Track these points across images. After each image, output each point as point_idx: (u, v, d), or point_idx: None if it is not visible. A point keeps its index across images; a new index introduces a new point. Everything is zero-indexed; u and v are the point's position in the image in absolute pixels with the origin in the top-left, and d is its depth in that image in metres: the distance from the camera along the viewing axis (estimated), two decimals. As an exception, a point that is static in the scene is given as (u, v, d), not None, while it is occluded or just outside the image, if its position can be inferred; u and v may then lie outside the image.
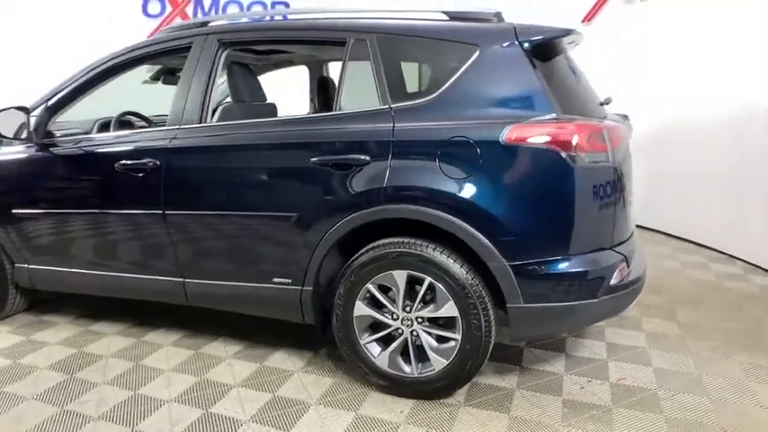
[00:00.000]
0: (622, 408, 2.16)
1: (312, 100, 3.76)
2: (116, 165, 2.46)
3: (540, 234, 1.97)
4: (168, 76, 3.32)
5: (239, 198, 2.32)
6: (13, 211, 2.76)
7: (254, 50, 2.86)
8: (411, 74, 3.47)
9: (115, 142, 2.60)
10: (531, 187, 1.97)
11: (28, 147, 2.70)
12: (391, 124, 2.09)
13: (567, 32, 2.09)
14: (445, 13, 2.25)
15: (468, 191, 1.97)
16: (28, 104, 2.63)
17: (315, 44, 2.45)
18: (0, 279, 2.92)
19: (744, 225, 3.93)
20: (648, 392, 2.27)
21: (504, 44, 2.07)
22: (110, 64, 2.62)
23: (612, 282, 2.02)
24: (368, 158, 2.07)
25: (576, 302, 1.99)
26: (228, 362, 2.59)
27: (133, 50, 2.61)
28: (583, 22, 5.16)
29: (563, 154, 1.90)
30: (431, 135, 2.04)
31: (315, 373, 2.47)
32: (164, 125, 2.51)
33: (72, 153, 2.63)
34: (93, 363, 2.60)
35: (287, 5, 6.18)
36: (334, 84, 3.41)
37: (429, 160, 2.02)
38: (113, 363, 2.60)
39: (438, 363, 2.14)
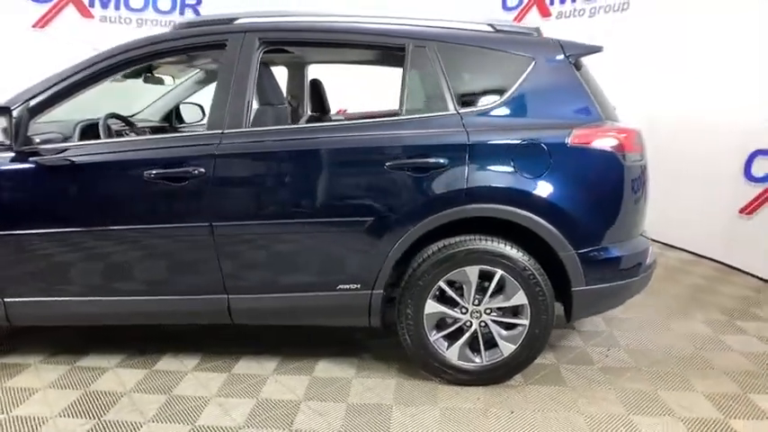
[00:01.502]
0: (649, 365, 2.57)
1: (289, 101, 3.65)
2: (145, 174, 2.17)
3: (599, 224, 2.26)
4: (149, 75, 2.98)
5: (304, 205, 2.22)
6: (-11, 233, 2.25)
7: (289, 51, 2.70)
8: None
9: (140, 148, 2.28)
10: (592, 184, 2.25)
11: (3, 155, 2.23)
12: (464, 129, 2.20)
13: (600, 48, 2.41)
14: (490, 25, 2.42)
15: (541, 189, 2.18)
16: (-2, 102, 2.19)
17: (368, 48, 2.43)
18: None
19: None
20: (655, 350, 2.73)
21: (554, 57, 2.32)
22: (118, 59, 2.29)
23: (646, 263, 2.40)
24: (446, 161, 2.16)
25: (625, 281, 2.33)
26: (275, 378, 2.46)
27: (147, 45, 2.32)
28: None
29: (617, 154, 2.22)
30: (505, 138, 2.20)
31: (373, 377, 2.48)
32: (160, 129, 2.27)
33: (77, 162, 2.23)
34: (115, 402, 2.26)
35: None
36: (323, 87, 3.36)
37: (505, 162, 2.18)
38: (140, 398, 2.30)
39: (507, 349, 2.32)
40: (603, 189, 2.26)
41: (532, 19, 5.47)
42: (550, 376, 2.48)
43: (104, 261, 2.30)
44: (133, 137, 2.70)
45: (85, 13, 5.70)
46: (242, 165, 2.21)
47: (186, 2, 6.05)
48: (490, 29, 2.41)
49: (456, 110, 2.24)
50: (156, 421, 2.13)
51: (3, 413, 2.16)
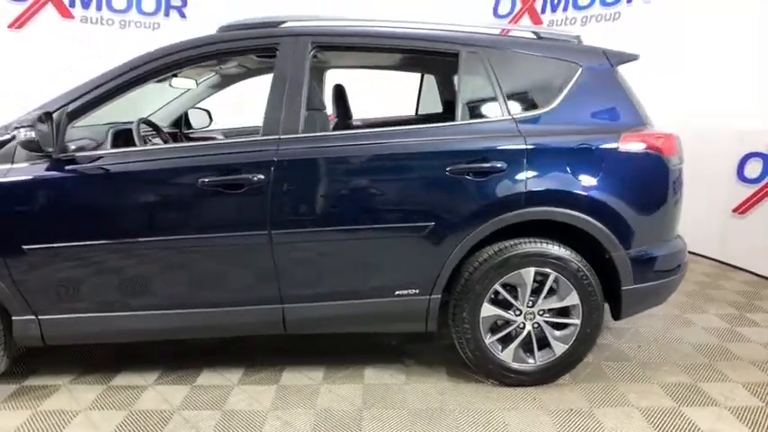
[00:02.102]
0: (682, 359, 2.68)
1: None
2: (200, 181, 2.09)
3: (646, 225, 2.35)
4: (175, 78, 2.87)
5: (365, 211, 2.20)
6: (25, 247, 2.10)
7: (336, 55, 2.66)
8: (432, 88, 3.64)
9: (193, 155, 2.18)
10: (640, 186, 2.33)
11: (42, 164, 2.10)
12: (520, 134, 2.24)
13: (637, 56, 2.51)
14: (534, 33, 2.48)
15: (595, 191, 2.24)
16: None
17: (419, 54, 2.42)
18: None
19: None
20: (683, 343, 2.86)
21: (599, 64, 2.40)
22: (164, 62, 2.20)
23: (684, 262, 2.51)
24: (505, 166, 2.20)
25: (668, 279, 2.44)
26: (328, 388, 2.42)
27: (195, 47, 2.24)
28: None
29: (662, 158, 2.32)
30: (560, 143, 2.26)
31: (425, 383, 2.47)
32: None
33: (124, 170, 2.13)
34: (166, 420, 2.16)
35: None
36: (346, 92, 3.33)
37: (560, 166, 2.24)
38: (196, 415, 2.20)
39: (559, 348, 2.38)
40: (650, 191, 2.35)
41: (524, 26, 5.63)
42: (595, 373, 2.55)
43: (152, 274, 2.20)
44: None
45: (65, 13, 5.44)
46: (302, 171, 2.16)
47: (171, 3, 5.87)
48: (534, 36, 2.48)
49: (510, 115, 2.28)
50: (218, 438, 2.06)
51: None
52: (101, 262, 2.16)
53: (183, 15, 5.91)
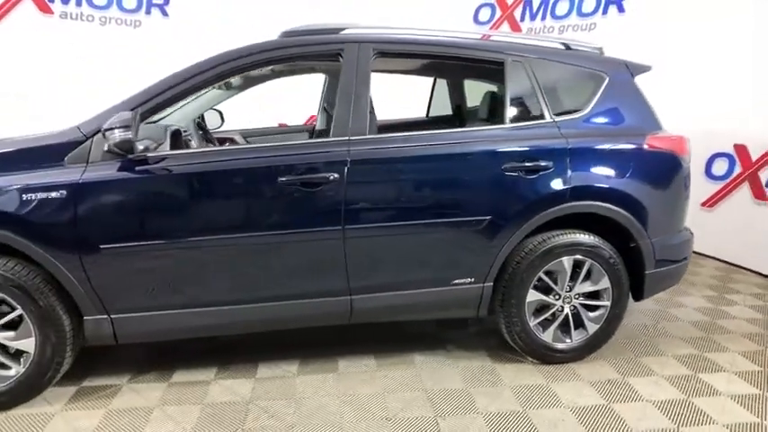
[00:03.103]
0: (683, 332, 3.05)
1: (326, 108, 3.72)
2: (279, 180, 2.20)
3: (666, 216, 2.67)
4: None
5: (430, 206, 2.37)
6: (102, 246, 2.11)
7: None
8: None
9: (270, 155, 2.26)
10: (662, 182, 2.64)
11: (114, 164, 2.12)
12: (562, 135, 2.50)
13: (649, 68, 2.83)
14: (563, 44, 2.75)
15: (627, 187, 2.54)
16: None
17: (467, 62, 2.60)
18: (58, 341, 2.18)
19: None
20: (685, 322, 3.23)
21: (622, 74, 2.70)
22: (233, 65, 2.28)
23: (691, 249, 2.86)
24: (552, 164, 2.44)
25: (681, 264, 2.78)
26: (384, 373, 2.57)
27: (262, 52, 2.32)
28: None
29: (678, 157, 2.65)
30: (596, 144, 2.53)
31: (471, 364, 2.67)
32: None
33: (200, 169, 2.19)
34: (245, 411, 2.24)
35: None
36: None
37: (598, 164, 2.51)
38: (269, 405, 2.29)
39: (592, 328, 2.66)
40: (669, 187, 2.67)
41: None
42: (616, 350, 2.84)
43: (226, 270, 2.27)
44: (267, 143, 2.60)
45: (44, 8, 5.22)
46: (372, 170, 2.31)
47: (153, 1, 5.76)
48: (562, 47, 2.74)
49: (553, 118, 2.54)
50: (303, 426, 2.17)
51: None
52: (176, 260, 2.21)
53: (165, 14, 5.81)
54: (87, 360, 2.53)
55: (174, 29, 5.78)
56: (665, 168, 2.65)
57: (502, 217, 2.43)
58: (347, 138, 2.31)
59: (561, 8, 5.68)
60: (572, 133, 2.53)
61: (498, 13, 6.07)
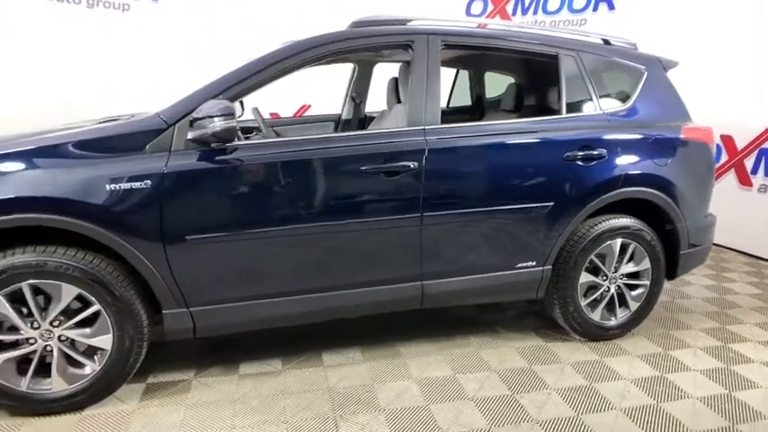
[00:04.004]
0: (700, 308, 3.32)
1: (354, 98, 3.73)
2: (361, 168, 2.21)
3: (698, 200, 2.89)
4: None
5: (498, 194, 2.45)
6: (188, 237, 2.06)
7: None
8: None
9: (352, 144, 2.26)
10: (696, 169, 2.85)
11: (195, 153, 2.06)
12: (612, 126, 2.65)
13: (677, 63, 3.03)
14: (604, 39, 2.89)
15: (669, 174, 2.72)
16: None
17: (523, 55, 2.68)
18: (136, 336, 2.11)
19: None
20: (691, 301, 3.51)
21: (657, 68, 2.88)
22: (314, 52, 2.26)
23: (714, 232, 3.11)
24: (606, 153, 2.59)
25: (708, 245, 3.02)
26: (449, 354, 2.65)
27: (342, 40, 2.32)
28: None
29: (707, 146, 2.87)
30: (642, 134, 2.69)
31: (523, 343, 2.80)
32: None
33: (287, 157, 2.16)
34: (331, 397, 2.26)
35: None
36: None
37: (644, 153, 2.68)
38: (353, 388, 2.32)
39: (634, 306, 2.85)
40: (702, 173, 2.89)
41: (499, 27, 6.12)
42: (649, 327, 3.05)
43: (306, 259, 2.26)
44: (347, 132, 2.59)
45: (27, -12, 4.86)
46: (449, 159, 2.36)
47: (141, -17, 5.49)
48: (602, 42, 2.89)
49: (603, 110, 2.68)
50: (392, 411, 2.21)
51: (234, 423, 2.06)
52: (259, 250, 2.18)
53: (156, -4, 5.57)
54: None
55: (163, 13, 5.56)
56: (697, 156, 2.87)
57: (563, 203, 2.55)
58: (423, 127, 2.35)
59: (553, 4, 5.89)
60: (620, 124, 2.68)
61: (490, 6, 6.22)
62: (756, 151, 4.41)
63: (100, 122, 2.38)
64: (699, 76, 4.77)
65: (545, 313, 2.95)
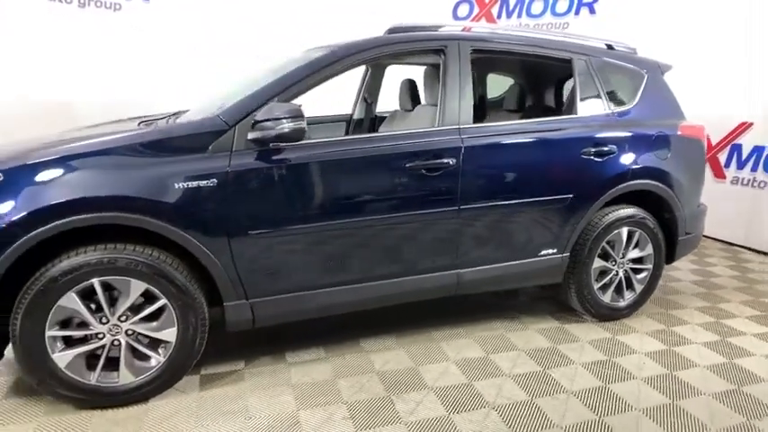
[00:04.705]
0: (690, 289, 3.64)
1: (366, 98, 3.88)
2: (407, 165, 2.38)
3: (693, 191, 3.20)
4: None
5: (527, 187, 2.67)
6: (251, 232, 2.17)
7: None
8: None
9: (397, 142, 2.42)
10: (691, 163, 3.16)
11: (254, 152, 2.18)
12: (621, 124, 2.91)
13: (671, 66, 3.33)
14: (607, 44, 3.15)
15: (669, 167, 3.01)
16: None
17: (540, 59, 2.89)
18: (200, 329, 2.21)
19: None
20: (682, 284, 3.84)
21: (655, 71, 3.17)
22: (360, 57, 2.43)
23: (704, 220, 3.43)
24: (616, 149, 2.84)
25: (700, 231, 3.34)
26: (480, 336, 2.85)
27: (384, 45, 2.49)
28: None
29: (701, 142, 3.18)
30: (646, 131, 2.97)
31: (543, 326, 3.04)
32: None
33: (341, 156, 2.30)
34: (409, 385, 2.42)
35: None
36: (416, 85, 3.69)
37: (648, 149, 2.96)
38: (429, 369, 2.49)
39: (639, 288, 3.13)
40: (696, 167, 3.21)
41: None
42: (649, 308, 3.36)
43: (355, 251, 2.41)
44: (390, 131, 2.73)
45: (18, -13, 4.77)
46: (483, 155, 2.56)
47: (134, -18, 5.47)
48: (605, 47, 3.15)
49: (612, 109, 2.94)
50: (442, 392, 2.40)
51: (297, 407, 2.19)
52: (314, 243, 2.32)
53: (147, -4, 5.55)
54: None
55: (154, 13, 5.55)
56: (692, 151, 3.18)
57: (580, 195, 2.79)
58: (458, 126, 2.54)
59: (536, 7, 6.19)
60: (626, 122, 2.95)
61: (476, 9, 6.47)
62: (729, 147, 4.81)
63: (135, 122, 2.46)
64: (675, 77, 5.15)
65: (558, 297, 3.20)
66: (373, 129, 3.87)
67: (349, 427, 2.09)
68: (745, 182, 4.69)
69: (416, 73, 4.02)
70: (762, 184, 4.58)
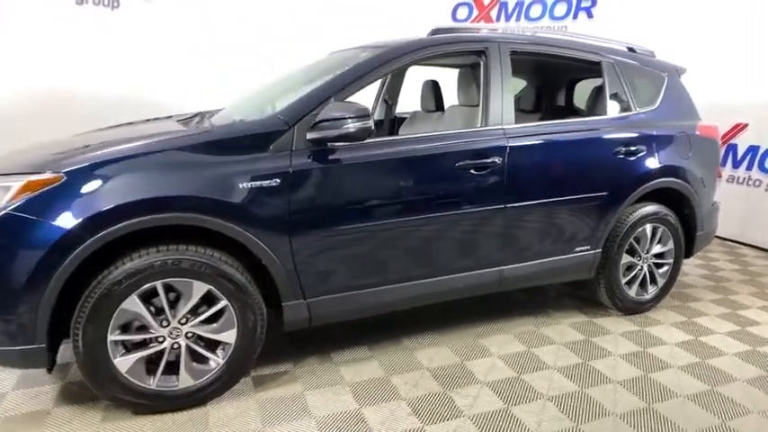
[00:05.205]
0: (700, 283, 3.80)
1: (386, 99, 3.92)
2: (457, 164, 2.43)
3: (710, 189, 3.34)
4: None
5: (568, 185, 2.75)
6: (311, 231, 2.18)
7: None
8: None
9: (449, 142, 2.47)
10: (708, 161, 3.30)
11: (316, 151, 2.19)
12: (647, 125, 3.03)
13: (685, 70, 3.47)
14: (629, 48, 3.27)
15: (689, 165, 3.15)
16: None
17: (571, 61, 2.97)
18: (259, 330, 2.20)
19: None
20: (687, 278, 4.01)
21: (674, 74, 3.30)
22: (411, 57, 2.47)
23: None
24: (645, 148, 2.96)
25: (715, 227, 3.49)
26: (513, 334, 2.92)
27: (433, 46, 2.54)
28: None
29: (716, 141, 3.34)
30: (670, 131, 3.10)
31: (573, 321, 3.13)
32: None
33: (397, 155, 2.34)
34: (457, 376, 2.45)
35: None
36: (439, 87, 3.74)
37: (673, 148, 3.09)
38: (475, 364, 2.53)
39: (661, 282, 3.26)
40: (712, 165, 3.35)
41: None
42: (667, 301, 3.49)
43: (407, 249, 2.44)
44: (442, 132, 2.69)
45: (15, -18, 4.60)
46: (526, 155, 2.62)
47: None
48: (626, 50, 3.27)
49: (638, 110, 3.05)
50: (492, 383, 2.45)
51: (358, 405, 2.21)
52: (371, 242, 2.34)
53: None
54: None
55: (153, 11, 5.45)
56: (708, 150, 3.33)
57: (614, 193, 2.90)
58: (502, 127, 2.60)
59: (535, 11, 6.33)
60: (652, 123, 3.07)
61: (475, 12, 6.55)
62: (725, 147, 5.03)
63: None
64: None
65: (579, 293, 3.31)
66: (393, 130, 3.90)
67: (415, 422, 2.12)
68: (740, 180, 4.92)
69: (435, 74, 4.08)
70: (756, 183, 4.82)
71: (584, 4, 6.07)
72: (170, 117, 3.02)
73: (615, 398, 2.33)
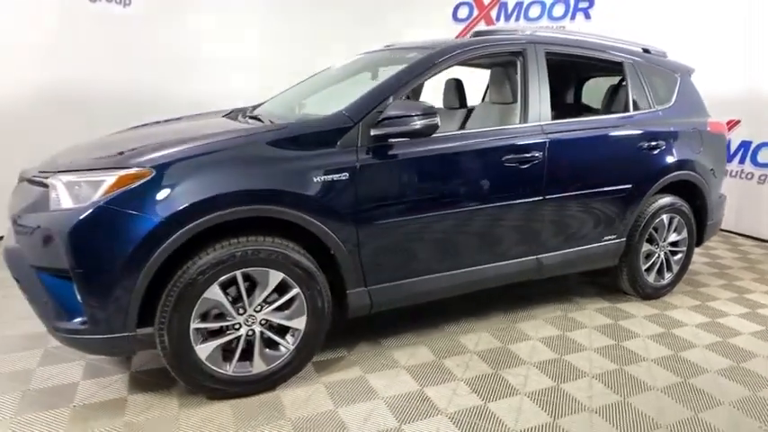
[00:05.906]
0: (706, 270, 4.06)
1: (409, 97, 4.03)
2: (504, 158, 2.58)
3: (719, 181, 3.59)
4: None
5: (599, 178, 2.94)
6: (376, 222, 2.30)
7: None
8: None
9: (497, 137, 2.63)
10: (717, 155, 3.55)
11: (380, 146, 2.32)
12: (665, 121, 3.24)
13: (693, 69, 3.71)
14: (644, 49, 3.47)
15: (702, 159, 3.38)
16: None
17: (596, 62, 3.16)
18: (326, 317, 2.31)
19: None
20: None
21: (686, 74, 3.53)
22: (457, 58, 2.61)
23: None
24: (664, 143, 3.17)
25: (722, 217, 3.74)
26: (548, 320, 3.10)
27: (474, 47, 2.68)
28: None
29: (725, 136, 3.59)
30: (684, 127, 3.32)
31: (598, 307, 3.33)
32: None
33: (454, 149, 2.50)
34: (511, 360, 2.61)
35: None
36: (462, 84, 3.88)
37: (686, 143, 3.31)
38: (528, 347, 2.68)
39: (675, 269, 3.50)
40: (720, 159, 3.60)
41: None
42: (678, 288, 3.72)
43: (461, 239, 2.60)
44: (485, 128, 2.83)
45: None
46: (564, 149, 2.80)
47: (138, -23, 5.36)
48: (640, 50, 3.48)
49: (656, 108, 3.26)
50: (540, 369, 2.61)
51: (419, 386, 2.34)
52: (428, 232, 2.48)
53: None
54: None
55: (167, 9, 5.47)
56: (717, 145, 3.57)
57: (637, 185, 3.10)
58: (540, 123, 2.77)
59: (534, 11, 6.54)
60: (669, 119, 3.29)
61: (476, 11, 6.74)
62: (718, 141, 5.33)
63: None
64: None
65: (605, 280, 3.50)
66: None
67: (477, 400, 2.27)
68: (733, 173, 5.22)
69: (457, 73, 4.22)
70: (749, 176, 5.13)
71: (581, 5, 6.31)
72: (201, 114, 3.08)
73: (652, 374, 2.53)
